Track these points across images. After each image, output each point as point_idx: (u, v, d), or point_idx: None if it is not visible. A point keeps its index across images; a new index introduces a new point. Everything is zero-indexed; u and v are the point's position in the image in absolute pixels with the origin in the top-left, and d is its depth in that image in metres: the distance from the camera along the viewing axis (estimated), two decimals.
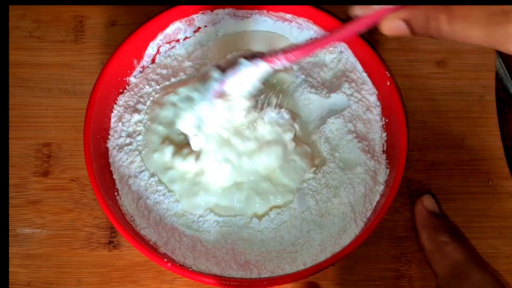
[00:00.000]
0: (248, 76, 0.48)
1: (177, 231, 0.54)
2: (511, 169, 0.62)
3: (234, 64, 0.48)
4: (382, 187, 0.55)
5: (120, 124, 0.58)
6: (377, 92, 0.60)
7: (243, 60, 0.48)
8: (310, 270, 0.50)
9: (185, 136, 0.55)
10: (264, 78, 0.48)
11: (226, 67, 0.49)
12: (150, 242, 0.53)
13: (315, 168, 0.56)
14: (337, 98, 0.59)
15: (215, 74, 0.49)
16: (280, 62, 0.47)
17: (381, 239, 0.59)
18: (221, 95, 0.49)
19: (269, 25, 0.64)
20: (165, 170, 0.56)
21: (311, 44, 0.47)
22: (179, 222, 0.54)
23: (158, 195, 0.55)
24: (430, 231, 0.53)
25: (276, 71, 0.48)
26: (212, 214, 0.54)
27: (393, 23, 0.40)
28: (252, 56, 0.48)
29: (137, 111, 0.59)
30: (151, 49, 0.61)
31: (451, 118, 0.64)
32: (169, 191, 0.55)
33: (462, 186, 0.62)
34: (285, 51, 0.47)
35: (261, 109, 0.54)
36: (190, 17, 0.62)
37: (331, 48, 0.62)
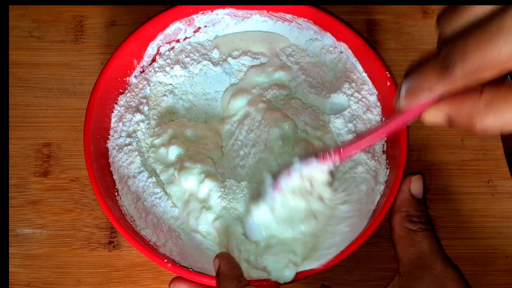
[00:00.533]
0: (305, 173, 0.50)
1: (174, 233, 0.54)
2: (511, 169, 0.62)
3: (289, 165, 0.50)
4: (382, 187, 0.55)
5: (120, 124, 0.58)
6: (377, 93, 0.60)
7: (296, 160, 0.50)
8: (311, 270, 0.50)
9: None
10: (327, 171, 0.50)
11: (280, 171, 0.51)
12: (150, 243, 0.53)
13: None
14: (337, 98, 0.59)
15: (267, 180, 0.51)
16: (331, 160, 0.48)
17: (381, 239, 0.59)
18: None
19: (269, 25, 0.64)
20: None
21: (361, 141, 0.46)
22: (176, 224, 0.54)
23: (155, 198, 0.55)
24: (405, 215, 0.52)
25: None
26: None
27: (435, 117, 0.37)
28: (305, 156, 0.50)
29: (139, 111, 0.59)
30: (151, 49, 0.61)
31: None
32: (166, 194, 0.55)
33: (462, 186, 0.62)
34: (336, 148, 0.48)
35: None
36: (190, 17, 0.62)
37: (331, 48, 0.62)
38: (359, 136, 0.46)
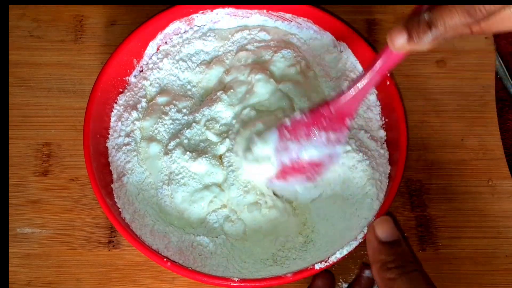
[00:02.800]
0: None
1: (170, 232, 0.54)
2: (511, 169, 0.62)
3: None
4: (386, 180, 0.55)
5: (119, 123, 0.58)
6: (376, 92, 0.60)
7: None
8: (311, 270, 0.50)
9: None
10: None
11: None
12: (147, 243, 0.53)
13: None
14: None
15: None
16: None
17: None
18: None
19: (268, 24, 0.64)
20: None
21: (358, 95, 0.49)
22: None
23: (150, 196, 0.55)
24: (379, 266, 0.46)
25: None
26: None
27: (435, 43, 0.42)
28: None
29: (136, 110, 0.59)
30: (150, 49, 0.61)
31: (450, 117, 0.65)
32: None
33: (462, 185, 0.62)
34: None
35: None
36: (190, 16, 0.62)
37: (331, 48, 0.62)
38: (356, 93, 0.49)
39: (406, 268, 0.45)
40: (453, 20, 0.39)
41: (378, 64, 0.47)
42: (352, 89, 0.49)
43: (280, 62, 0.59)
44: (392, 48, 0.44)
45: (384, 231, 0.47)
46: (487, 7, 0.38)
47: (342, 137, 0.52)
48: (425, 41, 0.41)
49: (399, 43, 0.42)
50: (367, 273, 0.52)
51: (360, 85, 0.49)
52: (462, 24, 0.39)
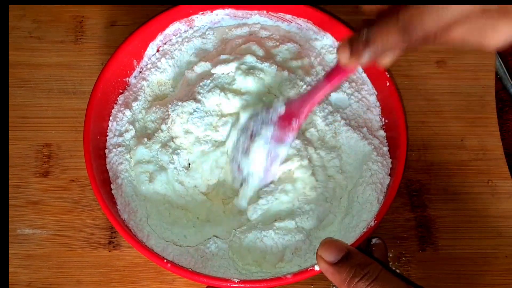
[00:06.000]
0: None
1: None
2: (511, 169, 0.62)
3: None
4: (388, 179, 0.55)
5: (114, 123, 0.58)
6: (376, 93, 0.60)
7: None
8: (310, 271, 0.50)
9: None
10: None
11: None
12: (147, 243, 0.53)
13: None
14: (337, 97, 0.59)
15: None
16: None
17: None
18: None
19: (268, 25, 0.64)
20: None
21: (311, 104, 0.50)
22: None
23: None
24: (346, 286, 0.44)
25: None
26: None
27: (390, 59, 0.45)
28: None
29: (130, 108, 0.58)
30: (150, 50, 0.61)
31: (450, 118, 0.65)
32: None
33: (462, 186, 0.62)
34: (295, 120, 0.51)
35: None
36: (190, 17, 0.62)
37: (331, 49, 0.62)
38: (308, 97, 0.50)
39: (371, 273, 0.43)
40: (389, 38, 0.39)
41: (331, 75, 0.48)
42: (306, 93, 0.51)
43: (284, 53, 0.59)
44: (339, 63, 0.44)
45: (329, 253, 0.45)
46: (424, 28, 0.37)
47: (286, 138, 0.52)
48: (365, 57, 0.41)
49: (343, 58, 0.43)
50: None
51: (312, 91, 0.50)
52: (399, 42, 0.39)
